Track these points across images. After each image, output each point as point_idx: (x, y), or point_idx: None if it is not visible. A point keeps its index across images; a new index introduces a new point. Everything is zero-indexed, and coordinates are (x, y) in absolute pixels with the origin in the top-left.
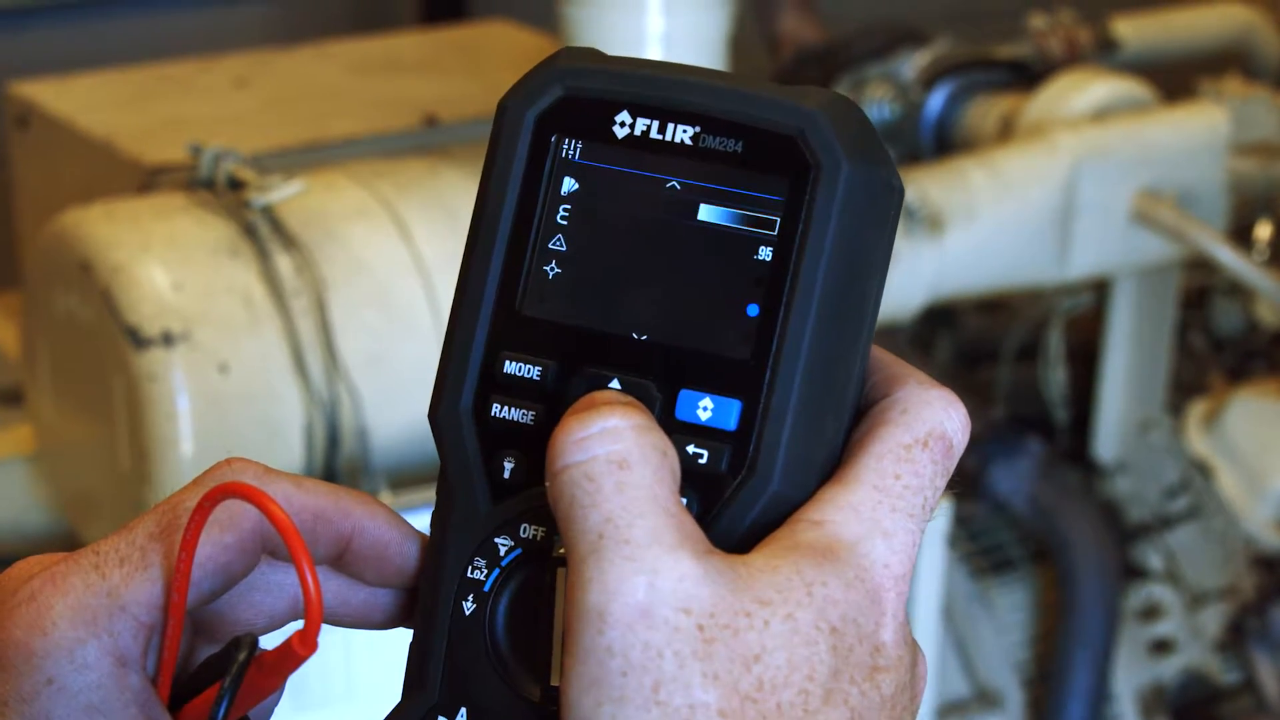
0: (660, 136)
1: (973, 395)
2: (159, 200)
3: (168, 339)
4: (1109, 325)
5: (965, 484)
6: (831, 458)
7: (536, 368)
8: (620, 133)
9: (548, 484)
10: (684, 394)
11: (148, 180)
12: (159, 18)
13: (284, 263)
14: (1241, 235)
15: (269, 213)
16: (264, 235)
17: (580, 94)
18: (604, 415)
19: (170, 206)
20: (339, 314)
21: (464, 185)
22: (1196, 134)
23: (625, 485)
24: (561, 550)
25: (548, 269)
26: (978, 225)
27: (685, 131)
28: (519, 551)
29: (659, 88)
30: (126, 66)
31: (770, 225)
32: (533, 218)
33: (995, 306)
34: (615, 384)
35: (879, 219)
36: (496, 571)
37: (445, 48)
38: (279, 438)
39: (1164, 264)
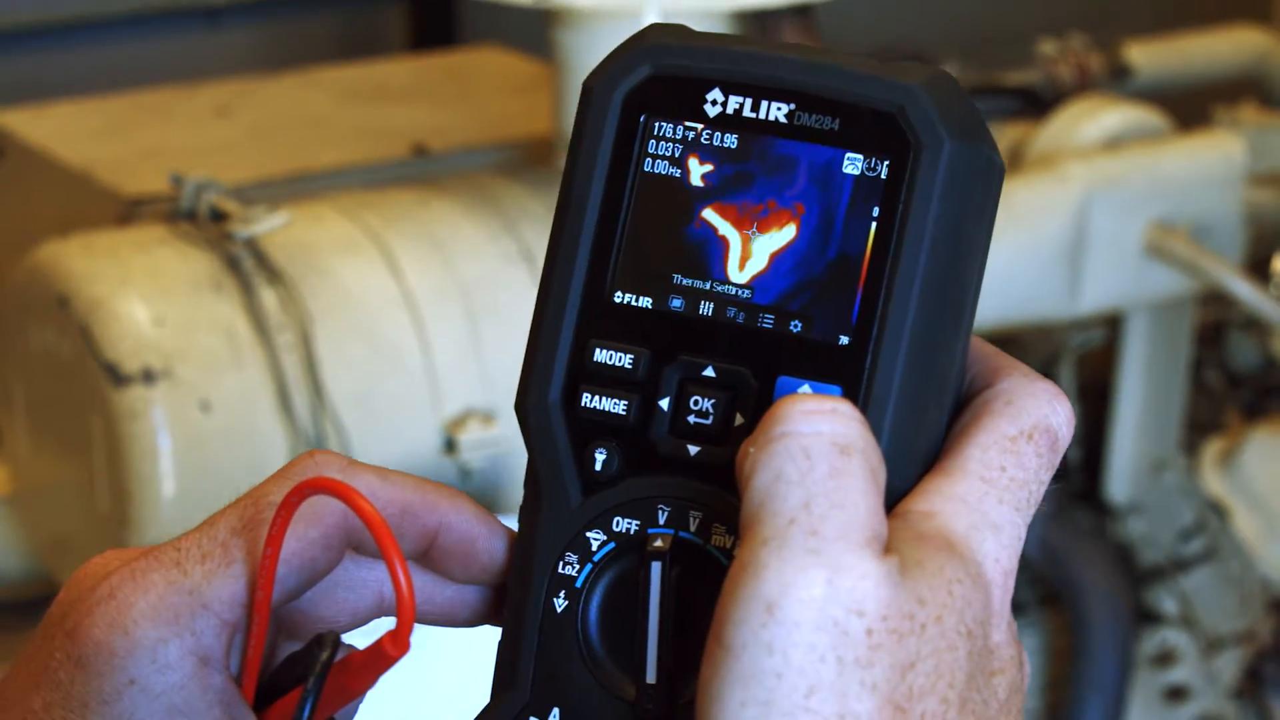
0: (754, 115)
1: None
2: (139, 232)
3: (148, 376)
4: (1121, 362)
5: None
6: (933, 448)
7: (628, 355)
8: (712, 111)
9: (750, 450)
10: (782, 380)
11: (127, 212)
12: (138, 43)
13: (268, 297)
14: (1258, 268)
15: (253, 245)
16: (248, 268)
17: (669, 72)
18: (835, 400)
19: (151, 239)
20: (325, 349)
21: (455, 217)
22: (1211, 164)
23: (840, 472)
24: (658, 544)
25: (638, 253)
26: None
27: (780, 109)
28: (612, 546)
29: (752, 64)
30: (105, 94)
31: (869, 206)
32: (622, 200)
33: (1004, 342)
34: (710, 370)
35: (981, 199)
36: (589, 567)
37: (435, 75)
38: (263, 477)
39: (1178, 298)
